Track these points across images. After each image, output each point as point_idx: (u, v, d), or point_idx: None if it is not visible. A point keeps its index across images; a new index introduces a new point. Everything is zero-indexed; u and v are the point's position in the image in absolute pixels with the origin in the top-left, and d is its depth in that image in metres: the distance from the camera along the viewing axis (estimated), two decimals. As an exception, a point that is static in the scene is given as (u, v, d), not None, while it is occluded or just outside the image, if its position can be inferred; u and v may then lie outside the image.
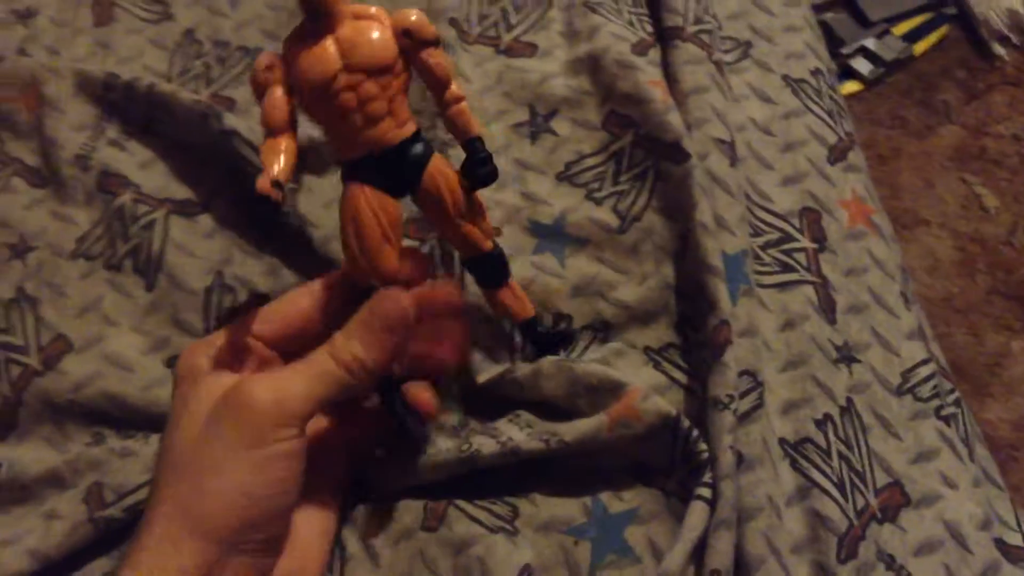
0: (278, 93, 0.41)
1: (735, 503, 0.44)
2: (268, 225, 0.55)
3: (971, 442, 0.52)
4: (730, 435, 0.45)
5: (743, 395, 0.48)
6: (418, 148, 0.43)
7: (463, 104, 0.42)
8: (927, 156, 1.48)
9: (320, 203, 0.55)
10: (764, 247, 0.54)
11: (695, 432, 0.46)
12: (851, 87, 1.56)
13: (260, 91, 0.41)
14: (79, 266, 0.54)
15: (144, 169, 0.57)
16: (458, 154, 0.44)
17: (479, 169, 0.43)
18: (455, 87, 0.42)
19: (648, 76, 0.55)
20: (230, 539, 0.38)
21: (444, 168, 0.43)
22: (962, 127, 1.51)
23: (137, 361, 0.52)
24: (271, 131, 0.41)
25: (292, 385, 0.40)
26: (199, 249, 0.55)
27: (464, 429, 0.49)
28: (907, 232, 1.39)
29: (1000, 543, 0.49)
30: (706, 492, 0.45)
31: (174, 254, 0.54)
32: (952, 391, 0.53)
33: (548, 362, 0.49)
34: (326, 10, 0.40)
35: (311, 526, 0.44)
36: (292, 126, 0.41)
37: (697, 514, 0.44)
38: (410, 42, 0.41)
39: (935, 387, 0.52)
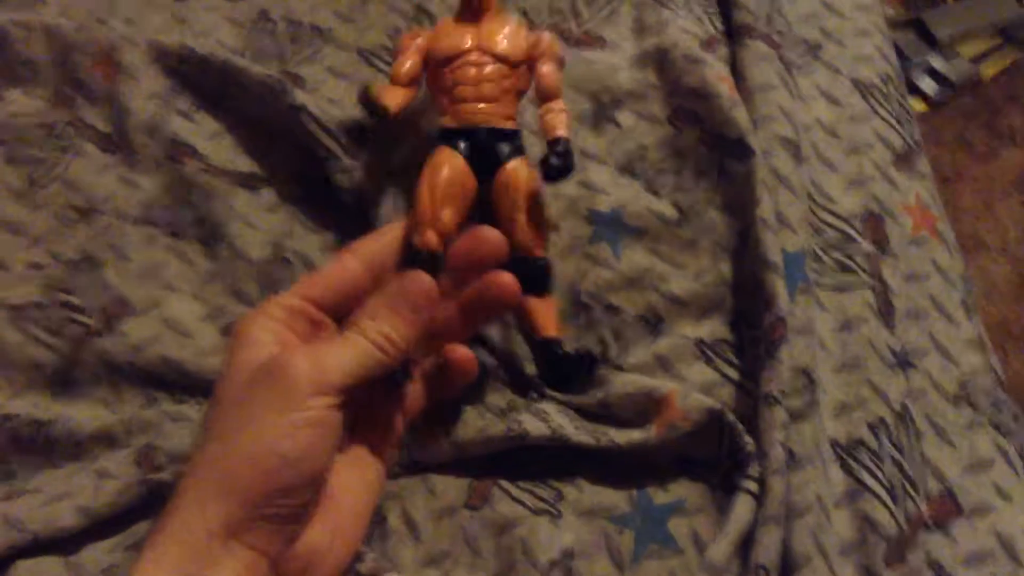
0: (413, 57, 0.50)
1: (784, 499, 0.44)
2: (329, 201, 0.55)
3: (1028, 456, 0.51)
4: (781, 431, 0.45)
5: (796, 393, 0.47)
6: (506, 144, 0.48)
7: (561, 114, 0.47)
8: (990, 180, 1.46)
9: (381, 183, 0.55)
10: (825, 248, 0.54)
11: (740, 425, 0.46)
12: (914, 106, 1.54)
13: (399, 51, 0.50)
14: (143, 231, 0.55)
15: (212, 140, 0.57)
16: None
17: (553, 160, 0.45)
18: (560, 101, 0.48)
19: (715, 72, 0.55)
20: (256, 501, 0.38)
21: (521, 168, 0.48)
22: (1027, 152, 1.49)
23: (195, 328, 0.53)
24: (393, 82, 0.49)
25: (331, 357, 0.41)
26: (260, 222, 0.55)
27: (513, 410, 0.49)
28: (965, 255, 1.36)
29: (1054, 561, 0.48)
30: (752, 486, 0.45)
31: (236, 225, 0.55)
32: (1009, 403, 0.52)
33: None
34: (480, 5, 0.49)
35: (349, 498, 0.44)
36: (411, 85, 0.50)
37: (743, 506, 0.44)
38: (535, 52, 0.48)
39: (993, 398, 0.51)
